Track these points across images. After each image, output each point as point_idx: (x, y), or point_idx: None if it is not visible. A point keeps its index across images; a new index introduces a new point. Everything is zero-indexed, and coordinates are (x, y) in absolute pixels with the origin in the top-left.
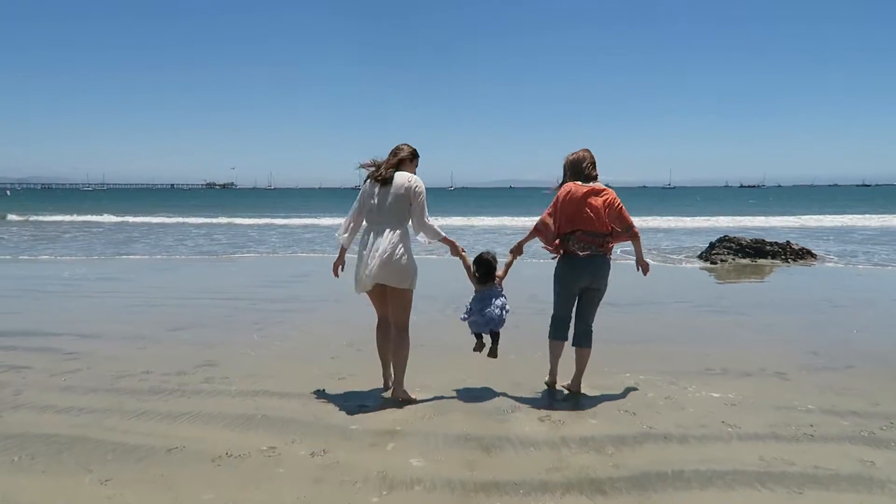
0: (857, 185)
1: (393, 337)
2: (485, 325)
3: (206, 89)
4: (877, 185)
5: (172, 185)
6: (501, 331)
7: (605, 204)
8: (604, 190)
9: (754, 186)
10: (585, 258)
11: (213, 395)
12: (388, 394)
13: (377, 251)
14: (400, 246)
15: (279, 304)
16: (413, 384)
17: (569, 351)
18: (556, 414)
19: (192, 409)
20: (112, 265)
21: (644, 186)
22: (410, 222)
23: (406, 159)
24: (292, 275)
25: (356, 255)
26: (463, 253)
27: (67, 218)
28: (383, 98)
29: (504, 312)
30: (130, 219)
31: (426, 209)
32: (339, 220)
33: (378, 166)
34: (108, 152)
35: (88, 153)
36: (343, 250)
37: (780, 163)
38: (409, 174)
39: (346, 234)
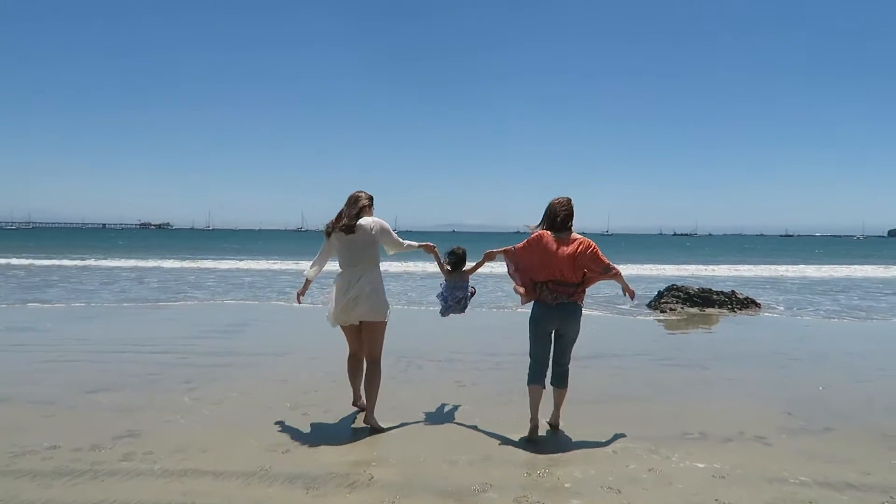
0: (781, 235)
1: (366, 371)
2: (446, 310)
3: (143, 128)
4: (798, 236)
5: (104, 224)
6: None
7: (576, 253)
8: (575, 240)
9: (687, 234)
10: (556, 306)
11: (132, 477)
12: (359, 416)
13: (357, 293)
14: (376, 286)
15: (214, 358)
16: (370, 458)
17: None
18: (534, 493)
19: (106, 497)
20: (21, 314)
21: (583, 233)
22: (388, 252)
23: (366, 206)
24: (229, 324)
25: (332, 293)
26: (435, 251)
27: None
28: (325, 139)
29: (462, 303)
30: (50, 261)
31: (395, 235)
32: (280, 264)
33: (340, 216)
34: (36, 189)
35: (14, 189)
36: (308, 282)
37: (710, 213)
38: (371, 218)
39: (313, 273)
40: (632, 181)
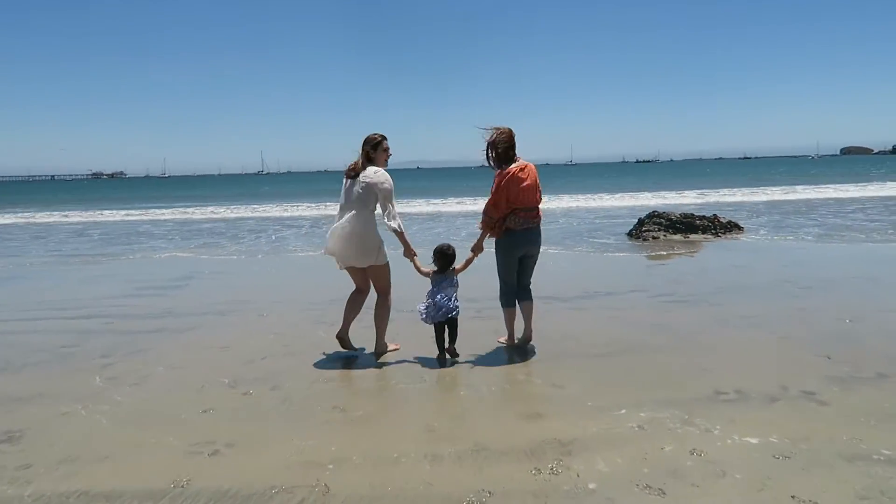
0: (740, 158)
1: (376, 301)
2: (436, 313)
3: (93, 77)
4: (756, 158)
5: (53, 176)
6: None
7: (534, 179)
8: (527, 166)
9: (649, 161)
10: (523, 231)
11: None
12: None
13: (343, 234)
14: (362, 229)
15: (145, 321)
16: (327, 457)
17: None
18: (551, 503)
19: None
20: None
21: (547, 164)
22: (378, 208)
23: (374, 150)
24: (172, 279)
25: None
26: (415, 258)
27: None
28: (278, 76)
29: (454, 301)
30: None
31: (390, 201)
32: (239, 211)
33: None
34: None
35: None
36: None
37: (671, 138)
38: (375, 168)
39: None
40: (594, 111)
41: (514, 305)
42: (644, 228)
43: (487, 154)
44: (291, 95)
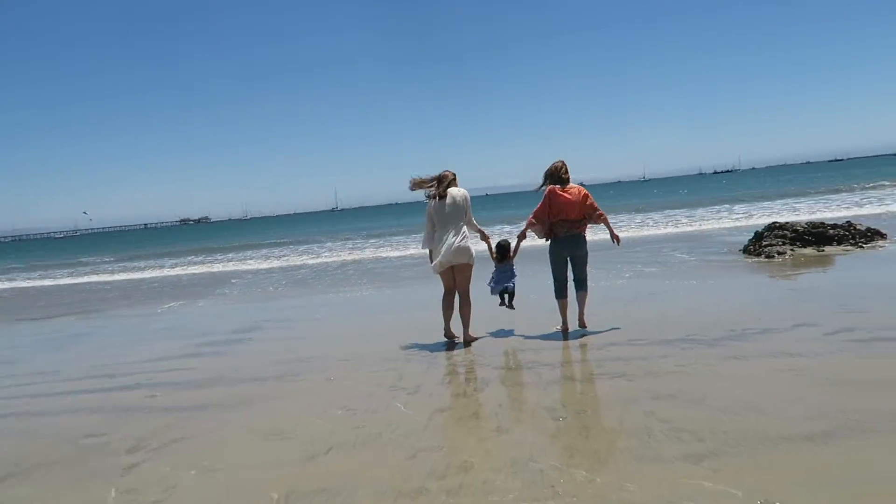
0: (830, 161)
1: (460, 301)
2: (503, 287)
3: (176, 127)
4: (849, 159)
5: (146, 224)
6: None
7: (578, 197)
8: (574, 188)
9: (728, 171)
10: (566, 237)
11: None
12: (457, 340)
13: (451, 244)
14: (464, 237)
15: (191, 393)
16: None
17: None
18: None
19: None
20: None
21: (619, 181)
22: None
23: (452, 180)
24: (234, 330)
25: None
26: (489, 241)
27: None
28: (352, 116)
29: (512, 279)
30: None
31: (470, 211)
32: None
33: (432, 183)
34: (79, 196)
35: (63, 200)
36: (431, 252)
37: (751, 146)
38: (459, 189)
39: (429, 242)
40: (665, 123)
41: (566, 297)
42: (765, 243)
43: (545, 181)
44: (361, 131)
